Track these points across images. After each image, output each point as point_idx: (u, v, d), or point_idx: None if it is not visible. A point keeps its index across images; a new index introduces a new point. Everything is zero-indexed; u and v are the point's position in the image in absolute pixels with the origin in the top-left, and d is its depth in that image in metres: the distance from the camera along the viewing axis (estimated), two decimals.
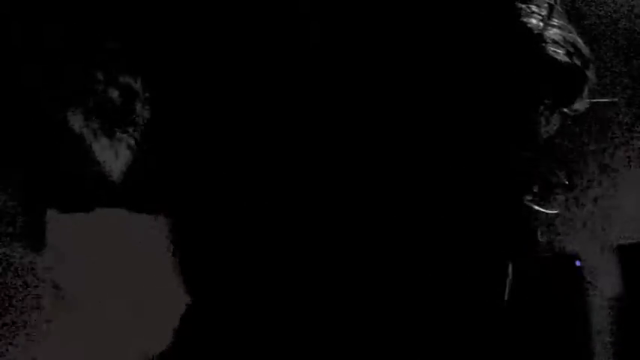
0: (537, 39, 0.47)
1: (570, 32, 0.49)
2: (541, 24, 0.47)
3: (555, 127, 0.48)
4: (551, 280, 2.58)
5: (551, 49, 0.47)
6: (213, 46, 0.46)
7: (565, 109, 0.48)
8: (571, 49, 0.49)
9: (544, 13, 0.47)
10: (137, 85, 1.58)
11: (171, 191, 0.52)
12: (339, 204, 0.44)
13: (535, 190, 0.48)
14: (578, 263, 2.71)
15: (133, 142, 1.69)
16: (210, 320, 0.49)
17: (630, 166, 2.76)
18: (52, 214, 1.73)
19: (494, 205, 0.47)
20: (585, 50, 0.48)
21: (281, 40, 0.44)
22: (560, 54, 0.47)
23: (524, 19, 0.47)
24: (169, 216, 0.52)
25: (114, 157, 1.76)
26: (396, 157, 0.44)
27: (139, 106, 1.62)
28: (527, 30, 0.46)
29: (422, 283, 0.45)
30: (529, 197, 0.47)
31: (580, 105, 0.49)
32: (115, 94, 1.59)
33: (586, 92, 0.48)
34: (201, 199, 0.49)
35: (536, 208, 0.49)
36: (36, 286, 1.69)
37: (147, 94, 1.60)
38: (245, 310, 0.46)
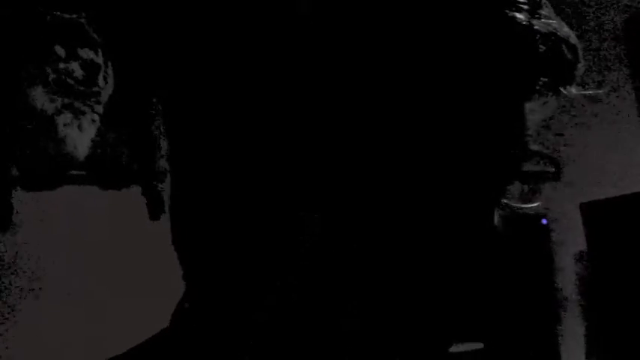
0: (525, 32, 0.46)
1: (557, 22, 0.48)
2: (527, 17, 0.47)
3: (552, 110, 0.48)
4: (518, 237, 2.62)
5: (539, 41, 0.46)
6: (194, 25, 0.45)
7: (563, 90, 0.48)
8: (559, 40, 0.48)
9: (530, 5, 0.47)
10: (99, 58, 1.55)
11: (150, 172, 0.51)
12: (335, 199, 0.44)
13: (525, 188, 0.48)
14: (544, 221, 2.74)
15: (96, 116, 1.67)
16: (206, 317, 0.48)
17: (598, 127, 2.78)
18: (18, 194, 1.70)
19: (479, 203, 0.47)
20: (574, 39, 0.48)
21: (278, 37, 0.43)
22: (548, 46, 0.47)
23: (511, 14, 0.46)
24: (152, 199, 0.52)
25: (78, 131, 1.73)
26: (389, 153, 0.44)
27: (101, 80, 1.60)
28: (515, 24, 0.46)
29: (416, 277, 0.45)
30: (515, 195, 0.47)
31: (574, 89, 0.49)
32: (76, 67, 1.56)
33: (578, 78, 0.48)
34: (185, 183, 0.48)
35: (522, 205, 0.49)
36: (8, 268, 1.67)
37: (110, 68, 1.57)
38: (242, 308, 0.46)
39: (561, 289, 2.67)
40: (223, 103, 0.44)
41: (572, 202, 2.68)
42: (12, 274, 1.78)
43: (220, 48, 0.44)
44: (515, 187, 0.46)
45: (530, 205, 0.49)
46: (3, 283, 1.70)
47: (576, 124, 2.75)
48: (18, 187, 1.72)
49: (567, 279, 2.68)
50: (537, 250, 2.64)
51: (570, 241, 2.74)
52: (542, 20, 0.46)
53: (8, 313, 1.73)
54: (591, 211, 2.69)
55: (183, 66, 0.45)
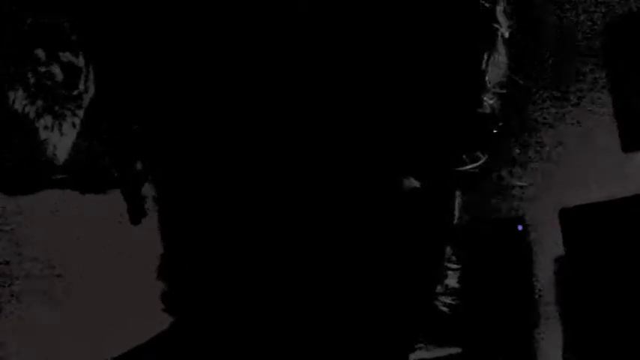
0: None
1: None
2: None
3: (502, 67, 0.49)
4: (495, 242, 2.63)
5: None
6: (180, 27, 0.45)
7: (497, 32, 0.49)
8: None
9: None
10: (80, 62, 1.55)
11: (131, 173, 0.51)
12: (327, 200, 0.44)
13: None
14: (519, 227, 2.75)
15: (77, 120, 1.66)
16: (198, 322, 0.48)
17: (576, 132, 2.80)
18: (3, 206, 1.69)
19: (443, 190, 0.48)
20: None
21: (277, 37, 0.43)
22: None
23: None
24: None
25: (58, 135, 1.72)
26: (387, 152, 0.44)
27: (82, 84, 1.59)
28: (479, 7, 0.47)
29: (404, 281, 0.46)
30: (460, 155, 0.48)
31: (505, 34, 0.50)
32: (57, 71, 1.56)
33: (502, 19, 0.49)
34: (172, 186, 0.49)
35: (469, 166, 0.49)
36: None
37: (91, 71, 1.56)
38: (231, 311, 0.46)
39: (539, 294, 2.68)
40: (220, 103, 0.44)
41: (549, 207, 2.70)
42: None
43: (219, 47, 0.44)
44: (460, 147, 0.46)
45: (476, 164, 0.50)
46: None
47: (553, 129, 2.77)
48: None
49: (545, 284, 2.70)
50: (514, 255, 2.66)
51: (548, 247, 2.76)
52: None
53: None
54: (569, 217, 2.70)
55: (179, 67, 0.45)
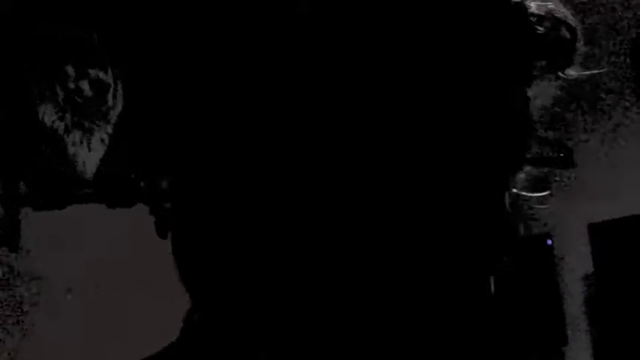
0: (521, 14, 0.46)
1: (554, 3, 0.48)
2: None
3: (553, 94, 0.48)
4: (523, 257, 2.61)
5: (535, 23, 0.46)
6: (198, 39, 0.45)
7: (561, 74, 0.48)
8: (556, 21, 0.48)
9: None
10: (109, 78, 1.56)
11: (152, 188, 0.52)
12: (336, 203, 0.44)
13: (534, 174, 0.48)
14: (549, 242, 2.73)
15: (105, 135, 1.67)
16: (209, 321, 0.48)
17: (607, 147, 2.78)
18: (25, 212, 1.70)
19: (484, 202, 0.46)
20: (571, 20, 0.48)
21: (279, 37, 0.43)
22: (545, 27, 0.47)
23: None
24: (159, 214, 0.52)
25: (87, 150, 1.73)
26: (389, 154, 0.43)
27: (111, 99, 1.60)
28: (510, 6, 0.46)
29: (413, 281, 0.45)
30: (524, 184, 0.47)
31: (573, 71, 0.49)
32: (86, 87, 1.57)
33: (576, 59, 0.48)
34: (187, 196, 0.49)
35: (532, 194, 0.48)
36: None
37: (119, 87, 1.57)
38: (244, 310, 0.46)
39: (566, 309, 2.65)
40: (224, 106, 0.44)
41: (579, 222, 2.67)
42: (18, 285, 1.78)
43: (223, 51, 0.44)
44: (525, 175, 0.45)
45: (541, 194, 0.49)
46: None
47: (583, 143, 2.75)
48: (26, 206, 1.73)
49: (573, 299, 2.67)
50: (543, 269, 2.63)
51: (576, 262, 2.73)
52: (538, 2, 0.46)
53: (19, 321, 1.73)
54: (599, 232, 2.67)
55: (190, 77, 0.45)
